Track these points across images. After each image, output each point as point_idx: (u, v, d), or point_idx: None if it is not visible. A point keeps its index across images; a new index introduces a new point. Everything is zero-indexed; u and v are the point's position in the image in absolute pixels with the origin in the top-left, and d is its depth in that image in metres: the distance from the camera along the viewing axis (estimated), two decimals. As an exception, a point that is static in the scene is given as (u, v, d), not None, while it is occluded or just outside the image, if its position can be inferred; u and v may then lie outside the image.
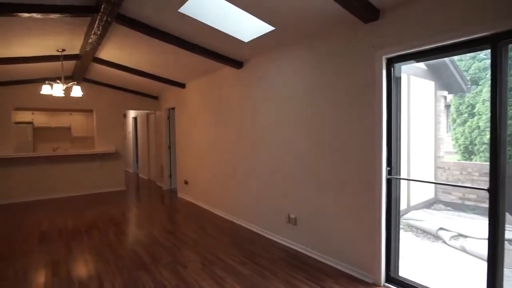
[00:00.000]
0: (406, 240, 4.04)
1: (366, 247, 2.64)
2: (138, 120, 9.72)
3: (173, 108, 6.72)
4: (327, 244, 3.01)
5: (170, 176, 7.17)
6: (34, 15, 2.72)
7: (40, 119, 8.54)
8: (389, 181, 2.54)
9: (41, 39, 3.58)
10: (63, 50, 4.07)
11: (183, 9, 2.84)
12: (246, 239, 3.71)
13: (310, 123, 3.15)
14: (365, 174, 2.63)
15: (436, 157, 5.49)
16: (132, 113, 10.36)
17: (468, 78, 6.03)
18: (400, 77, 2.55)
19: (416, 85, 5.20)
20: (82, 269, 2.98)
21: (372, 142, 2.56)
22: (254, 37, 3.32)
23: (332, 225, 2.95)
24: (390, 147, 2.53)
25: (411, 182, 4.97)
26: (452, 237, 3.93)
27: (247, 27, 3.24)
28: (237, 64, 4.14)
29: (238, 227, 4.22)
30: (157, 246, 3.54)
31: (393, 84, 2.52)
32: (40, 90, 4.30)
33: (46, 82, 4.35)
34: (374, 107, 2.54)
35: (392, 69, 2.51)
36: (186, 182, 6.10)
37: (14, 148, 6.03)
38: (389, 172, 2.54)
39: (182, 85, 5.92)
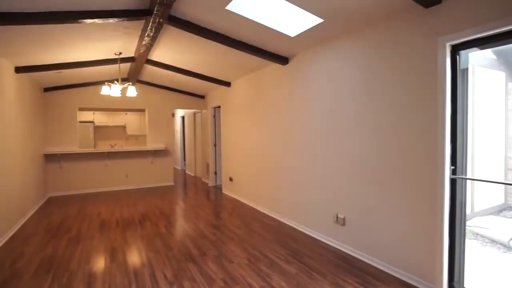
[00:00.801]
0: (471, 249, 3.63)
1: (426, 254, 2.41)
2: (186, 119, 10.15)
3: (219, 107, 6.89)
4: (379, 247, 2.82)
5: (216, 173, 7.36)
6: (96, 20, 2.95)
7: (100, 118, 9.37)
8: (453, 182, 2.29)
9: (101, 43, 3.88)
10: (120, 53, 4.38)
11: (230, 7, 2.86)
12: (292, 238, 3.64)
13: (363, 119, 2.98)
14: (426, 173, 2.40)
15: (507, 157, 4.85)
16: (180, 112, 10.86)
17: (548, 67, 5.22)
18: (466, 68, 2.28)
19: (483, 76, 4.65)
20: (136, 257, 3.17)
21: (434, 139, 2.33)
22: (301, 31, 3.23)
23: (386, 228, 2.75)
24: (454, 145, 2.28)
25: (475, 186, 4.45)
26: (528, 248, 3.44)
27: (294, 21, 3.17)
28: (283, 60, 4.08)
29: (283, 225, 4.16)
30: (204, 239, 3.63)
31: (459, 75, 2.26)
32: (100, 91, 4.69)
33: (105, 83, 4.73)
34: (437, 100, 2.30)
35: (457, 57, 2.25)
36: (231, 179, 6.21)
37: (78, 144, 6.69)
38: (453, 172, 2.29)
39: (228, 84, 6.03)
